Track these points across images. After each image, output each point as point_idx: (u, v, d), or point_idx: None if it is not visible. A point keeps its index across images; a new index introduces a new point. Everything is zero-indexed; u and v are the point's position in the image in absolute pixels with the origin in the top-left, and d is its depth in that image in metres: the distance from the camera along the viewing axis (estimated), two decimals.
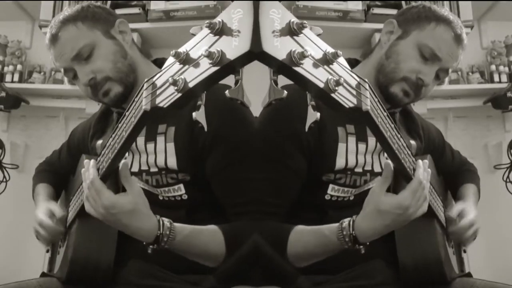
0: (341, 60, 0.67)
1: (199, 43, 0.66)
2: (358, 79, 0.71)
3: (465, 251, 1.48)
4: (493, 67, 2.68)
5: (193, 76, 0.65)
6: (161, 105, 0.71)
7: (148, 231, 1.04)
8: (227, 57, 0.60)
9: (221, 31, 0.62)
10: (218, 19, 0.63)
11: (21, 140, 2.74)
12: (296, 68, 0.59)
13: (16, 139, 2.72)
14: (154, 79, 0.74)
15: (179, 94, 0.67)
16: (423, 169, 1.04)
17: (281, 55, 0.57)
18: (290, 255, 1.15)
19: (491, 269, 2.34)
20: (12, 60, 2.68)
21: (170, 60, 0.70)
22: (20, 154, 2.70)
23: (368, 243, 1.06)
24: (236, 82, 0.64)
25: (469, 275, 1.36)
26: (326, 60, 0.64)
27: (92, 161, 1.06)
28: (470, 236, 1.33)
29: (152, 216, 1.05)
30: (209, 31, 0.63)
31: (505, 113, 2.67)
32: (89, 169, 1.05)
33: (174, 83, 0.66)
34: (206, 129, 0.73)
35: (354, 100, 0.69)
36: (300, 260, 1.17)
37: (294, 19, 0.60)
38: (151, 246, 1.06)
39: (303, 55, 0.58)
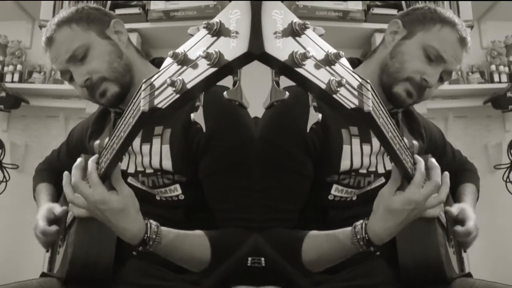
0: (343, 60, 0.67)
1: (197, 44, 0.65)
2: (360, 79, 0.71)
3: (465, 251, 1.48)
4: (493, 67, 2.68)
5: (191, 77, 0.65)
6: (159, 106, 0.71)
7: (134, 233, 1.03)
8: (225, 58, 0.60)
9: (219, 32, 0.62)
10: (215, 19, 0.63)
11: (21, 140, 2.74)
12: (298, 69, 0.58)
13: (16, 139, 2.72)
14: (152, 80, 0.73)
15: (177, 95, 0.67)
16: (428, 166, 1.04)
17: (283, 56, 0.57)
18: (305, 261, 1.15)
19: (491, 269, 2.35)
20: (12, 60, 2.68)
21: (168, 61, 0.70)
22: (20, 154, 2.70)
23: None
24: (234, 83, 0.63)
25: (469, 275, 1.36)
26: (328, 61, 0.63)
27: (95, 156, 1.05)
28: (472, 239, 1.35)
29: (140, 219, 1.04)
30: (207, 32, 0.63)
31: (505, 113, 2.67)
32: (88, 163, 1.04)
33: (172, 84, 0.65)
34: (204, 130, 0.72)
35: (356, 101, 0.68)
36: (316, 266, 1.18)
37: (297, 20, 0.60)
38: (137, 249, 1.05)
39: (305, 56, 0.58)
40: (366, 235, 1.04)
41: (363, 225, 1.05)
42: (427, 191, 1.01)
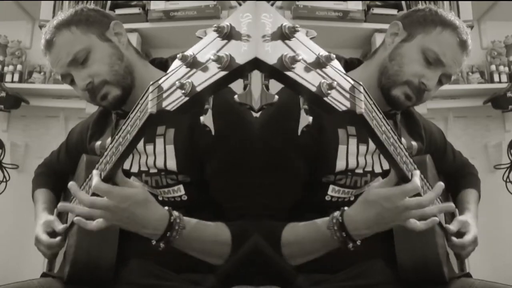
0: (335, 63, 0.67)
1: (206, 47, 0.65)
2: (352, 81, 0.71)
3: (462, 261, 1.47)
4: (493, 67, 2.67)
5: (201, 80, 0.65)
6: (168, 108, 0.70)
7: (160, 220, 1.04)
8: (237, 61, 0.60)
9: (229, 35, 0.62)
10: (226, 23, 0.62)
11: (21, 140, 2.74)
12: (288, 73, 0.58)
13: (16, 139, 2.72)
14: (160, 82, 0.73)
15: (186, 98, 0.67)
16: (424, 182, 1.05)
17: (271, 60, 0.57)
18: (284, 250, 1.15)
19: (491, 269, 2.34)
20: (12, 60, 2.68)
21: (177, 63, 0.70)
22: (20, 154, 2.70)
23: (359, 242, 1.05)
24: (245, 87, 0.63)
25: (468, 275, 1.36)
26: (319, 64, 0.63)
27: (94, 171, 1.03)
28: (470, 251, 1.33)
29: (160, 206, 1.06)
30: (216, 35, 0.63)
31: (505, 113, 2.67)
32: (91, 178, 1.03)
33: (181, 86, 0.65)
34: (213, 133, 0.72)
35: (348, 104, 0.68)
36: (295, 256, 1.17)
37: (286, 23, 0.60)
38: (161, 243, 1.05)
39: (294, 59, 0.58)
40: (340, 218, 1.05)
41: (342, 211, 1.07)
42: (411, 203, 1.01)
